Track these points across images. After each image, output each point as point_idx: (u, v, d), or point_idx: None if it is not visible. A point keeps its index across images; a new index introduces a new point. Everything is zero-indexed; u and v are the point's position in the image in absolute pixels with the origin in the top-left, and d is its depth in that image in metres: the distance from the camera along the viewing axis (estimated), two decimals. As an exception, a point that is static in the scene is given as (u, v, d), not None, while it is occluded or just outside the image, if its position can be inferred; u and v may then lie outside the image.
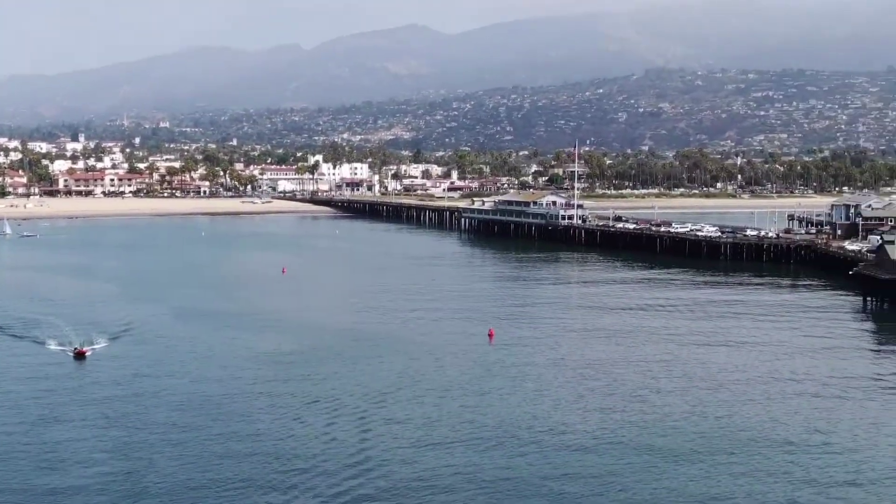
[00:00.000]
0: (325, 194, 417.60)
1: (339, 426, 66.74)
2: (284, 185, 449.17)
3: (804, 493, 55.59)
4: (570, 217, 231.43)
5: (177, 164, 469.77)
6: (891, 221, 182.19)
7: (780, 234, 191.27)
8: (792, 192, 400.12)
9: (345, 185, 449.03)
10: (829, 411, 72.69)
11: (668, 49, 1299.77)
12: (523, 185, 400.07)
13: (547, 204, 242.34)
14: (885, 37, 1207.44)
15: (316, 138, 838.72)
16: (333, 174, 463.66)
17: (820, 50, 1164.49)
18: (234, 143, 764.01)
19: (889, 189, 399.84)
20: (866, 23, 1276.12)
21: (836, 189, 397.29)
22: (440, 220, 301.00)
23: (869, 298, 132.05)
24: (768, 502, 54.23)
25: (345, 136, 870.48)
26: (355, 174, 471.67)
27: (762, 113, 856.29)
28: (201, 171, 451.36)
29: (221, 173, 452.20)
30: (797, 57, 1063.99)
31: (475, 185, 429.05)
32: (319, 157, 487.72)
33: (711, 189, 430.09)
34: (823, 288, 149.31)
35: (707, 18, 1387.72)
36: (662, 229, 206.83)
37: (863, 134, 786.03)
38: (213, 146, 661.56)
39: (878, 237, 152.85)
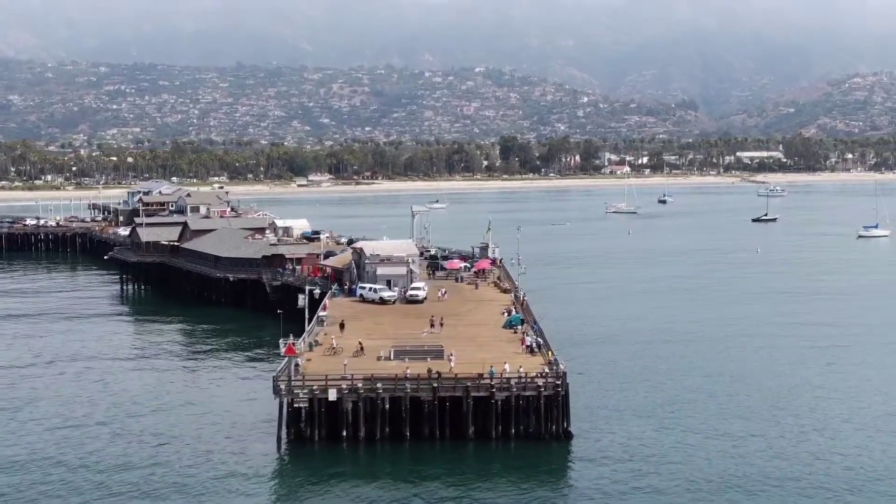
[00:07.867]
0: None
1: None
2: None
3: None
4: None
5: None
6: (172, 206, 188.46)
7: (61, 223, 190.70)
8: (120, 184, 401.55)
9: None
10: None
11: (17, 39, 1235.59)
12: None
13: None
14: (231, 32, 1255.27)
15: None
16: None
17: (170, 44, 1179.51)
18: None
19: (214, 179, 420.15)
20: (214, 17, 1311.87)
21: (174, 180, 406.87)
22: None
23: (125, 278, 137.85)
24: None
25: None
26: None
27: (115, 106, 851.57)
28: None
29: None
30: (149, 51, 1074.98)
31: None
32: None
33: (37, 181, 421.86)
34: (90, 273, 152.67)
35: (51, 7, 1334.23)
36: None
37: (214, 128, 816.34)
38: None
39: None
